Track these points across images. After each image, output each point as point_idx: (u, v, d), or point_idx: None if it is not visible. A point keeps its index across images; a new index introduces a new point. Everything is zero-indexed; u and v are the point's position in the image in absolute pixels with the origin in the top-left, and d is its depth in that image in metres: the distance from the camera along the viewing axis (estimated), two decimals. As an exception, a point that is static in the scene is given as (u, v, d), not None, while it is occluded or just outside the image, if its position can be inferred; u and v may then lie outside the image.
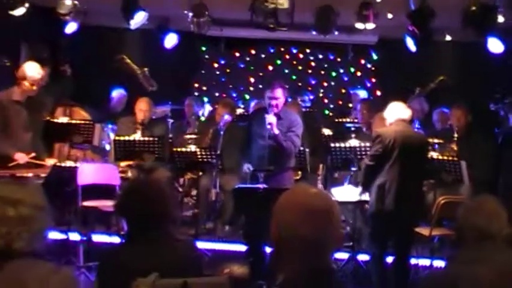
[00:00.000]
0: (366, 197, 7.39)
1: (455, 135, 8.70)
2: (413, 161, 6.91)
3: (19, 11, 8.31)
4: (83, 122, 8.51)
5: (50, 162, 7.78)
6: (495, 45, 8.05)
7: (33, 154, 7.62)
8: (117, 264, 3.76)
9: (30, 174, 7.23)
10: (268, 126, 7.36)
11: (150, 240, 3.80)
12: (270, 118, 7.37)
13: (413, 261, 7.74)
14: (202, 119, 10.36)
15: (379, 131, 7.19)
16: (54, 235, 7.92)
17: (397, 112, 7.05)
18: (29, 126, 7.73)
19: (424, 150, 7.26)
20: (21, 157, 7.51)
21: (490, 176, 8.28)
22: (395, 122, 7.00)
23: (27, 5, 8.30)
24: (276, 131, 7.36)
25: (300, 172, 8.42)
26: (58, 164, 7.62)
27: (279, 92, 7.49)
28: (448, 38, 10.03)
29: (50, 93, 9.49)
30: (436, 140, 8.47)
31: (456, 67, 11.33)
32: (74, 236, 7.98)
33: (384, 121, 7.25)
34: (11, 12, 8.27)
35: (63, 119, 8.54)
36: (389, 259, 7.19)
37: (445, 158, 7.92)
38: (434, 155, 8.01)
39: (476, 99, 9.68)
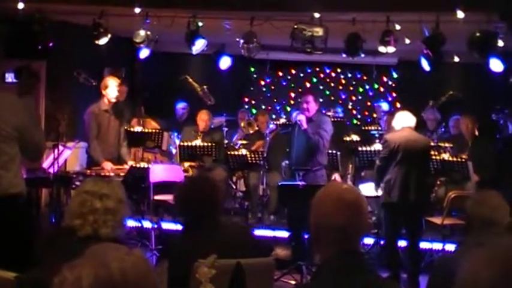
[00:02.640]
0: (380, 192, 7.32)
1: (468, 140, 8.64)
2: (416, 161, 6.84)
3: (103, 41, 8.41)
4: (154, 130, 8.58)
5: (130, 163, 7.88)
6: (496, 65, 7.93)
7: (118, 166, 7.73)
8: (179, 248, 3.79)
9: (112, 174, 7.32)
10: (298, 122, 7.38)
11: (204, 227, 3.81)
12: (300, 116, 7.41)
13: (427, 245, 7.68)
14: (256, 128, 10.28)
15: (386, 137, 7.18)
16: (130, 223, 8.04)
17: (402, 120, 7.00)
18: (117, 130, 7.88)
19: (426, 152, 7.16)
20: (107, 165, 7.60)
21: (493, 174, 8.17)
22: (401, 128, 6.95)
23: (109, 35, 8.41)
24: (305, 126, 7.38)
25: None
26: (134, 165, 7.71)
27: (309, 97, 7.56)
28: (457, 59, 9.91)
29: (127, 108, 9.61)
30: (447, 144, 8.40)
31: (463, 83, 11.22)
32: (147, 224, 8.06)
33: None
34: (97, 42, 8.38)
35: (138, 128, 8.63)
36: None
37: (455, 159, 7.84)
38: (445, 156, 7.94)
39: (480, 110, 9.56)
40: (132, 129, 8.43)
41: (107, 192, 3.25)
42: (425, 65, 8.28)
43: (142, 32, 8.53)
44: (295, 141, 7.63)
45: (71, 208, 3.29)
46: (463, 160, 7.75)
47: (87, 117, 7.81)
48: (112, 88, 7.76)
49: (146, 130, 8.57)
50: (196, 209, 3.85)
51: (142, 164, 7.83)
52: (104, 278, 1.42)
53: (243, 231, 4.15)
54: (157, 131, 8.57)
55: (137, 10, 8.00)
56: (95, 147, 7.72)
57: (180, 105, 10.50)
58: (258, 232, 8.39)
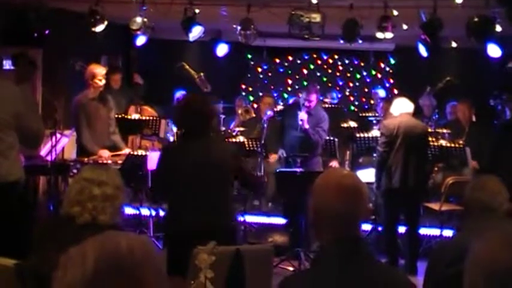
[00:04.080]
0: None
1: (464, 126, 8.63)
2: (415, 147, 6.86)
3: (99, 28, 8.36)
4: (151, 118, 8.56)
5: (127, 150, 7.81)
6: (493, 51, 7.92)
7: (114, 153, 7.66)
8: (174, 152, 4.69)
9: (109, 161, 7.28)
10: (300, 122, 7.43)
11: (197, 139, 4.47)
12: (302, 115, 7.46)
13: (425, 231, 7.71)
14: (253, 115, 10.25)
15: (385, 122, 7.23)
16: (128, 211, 8.05)
17: (400, 107, 7.01)
18: (106, 118, 7.77)
19: (424, 138, 7.17)
20: (104, 153, 7.50)
21: (490, 160, 8.17)
22: (400, 115, 6.96)
23: (106, 22, 8.36)
24: (306, 126, 7.43)
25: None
26: (132, 152, 7.68)
27: (313, 97, 7.61)
28: (454, 44, 9.90)
29: (123, 95, 9.58)
30: (444, 130, 8.40)
31: (461, 69, 11.21)
32: (145, 211, 8.06)
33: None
34: (93, 29, 8.33)
35: (135, 116, 8.60)
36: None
37: (452, 145, 7.85)
38: (443, 142, 7.94)
39: (477, 96, 9.56)
40: (129, 117, 8.40)
41: (105, 179, 3.25)
42: (422, 50, 8.27)
43: (138, 19, 8.48)
44: (291, 130, 7.68)
45: (69, 195, 3.29)
46: (461, 146, 7.75)
47: (74, 106, 7.56)
48: (99, 77, 7.56)
49: (143, 118, 8.55)
50: (188, 121, 4.49)
51: (140, 152, 7.79)
52: (110, 251, 1.39)
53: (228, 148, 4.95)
54: (154, 118, 8.54)
55: (133, -3, 7.97)
56: (88, 138, 7.49)
57: (179, 93, 10.45)
58: (256, 219, 8.41)
